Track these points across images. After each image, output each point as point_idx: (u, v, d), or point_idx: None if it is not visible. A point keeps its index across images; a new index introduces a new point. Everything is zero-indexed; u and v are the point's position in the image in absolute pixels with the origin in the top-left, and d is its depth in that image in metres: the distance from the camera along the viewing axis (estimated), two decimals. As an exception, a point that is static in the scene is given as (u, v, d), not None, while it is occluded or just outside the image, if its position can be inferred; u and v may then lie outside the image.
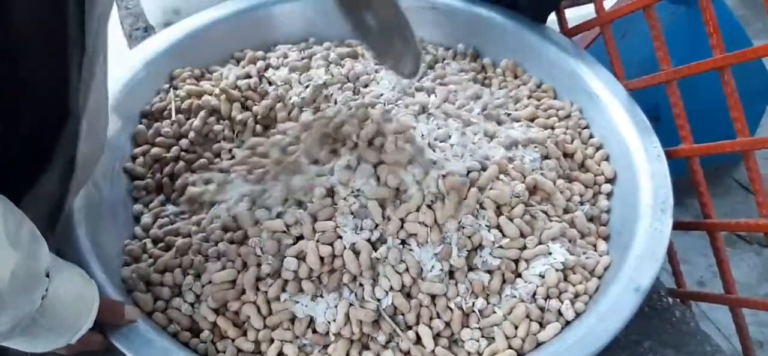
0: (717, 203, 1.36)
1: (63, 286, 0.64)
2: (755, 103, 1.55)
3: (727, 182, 1.66)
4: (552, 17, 1.13)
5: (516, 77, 1.09)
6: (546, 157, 0.95)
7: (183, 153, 0.96)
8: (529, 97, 1.05)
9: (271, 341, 0.78)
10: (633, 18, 1.04)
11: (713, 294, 0.99)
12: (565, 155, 0.97)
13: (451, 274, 0.82)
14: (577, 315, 0.81)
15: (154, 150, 0.96)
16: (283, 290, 0.79)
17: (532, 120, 1.01)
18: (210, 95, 1.00)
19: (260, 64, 1.05)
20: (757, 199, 0.89)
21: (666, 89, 0.96)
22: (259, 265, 0.80)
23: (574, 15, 1.14)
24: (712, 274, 1.51)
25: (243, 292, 0.79)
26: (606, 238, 0.91)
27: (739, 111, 0.88)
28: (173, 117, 0.99)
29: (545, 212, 0.90)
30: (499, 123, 0.98)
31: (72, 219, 0.82)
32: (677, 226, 0.98)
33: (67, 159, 0.69)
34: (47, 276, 0.61)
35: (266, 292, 0.79)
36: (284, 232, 0.82)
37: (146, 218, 0.90)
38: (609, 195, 0.95)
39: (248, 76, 1.02)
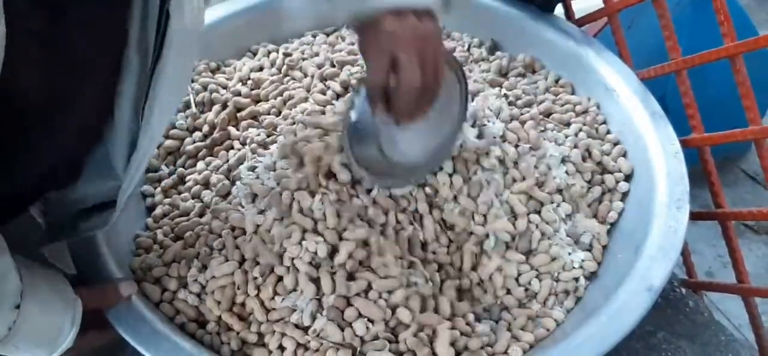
0: (725, 194, 1.28)
1: (33, 316, 0.62)
2: (763, 93, 1.46)
3: (735, 172, 1.58)
4: (558, 8, 1.05)
5: (534, 72, 1.02)
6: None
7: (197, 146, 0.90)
8: (547, 91, 0.98)
9: (273, 332, 0.72)
10: (640, 8, 0.97)
11: (726, 283, 0.92)
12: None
13: None
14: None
15: (168, 143, 0.92)
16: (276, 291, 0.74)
17: (548, 115, 0.94)
18: (225, 88, 0.94)
19: (274, 55, 0.99)
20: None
21: (675, 79, 0.88)
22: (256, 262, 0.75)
23: (580, 6, 1.06)
24: (721, 265, 1.43)
25: (245, 285, 0.74)
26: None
27: (751, 100, 0.81)
28: (189, 110, 0.93)
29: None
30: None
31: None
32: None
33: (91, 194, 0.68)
34: (17, 308, 0.60)
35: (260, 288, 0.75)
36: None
37: (158, 210, 0.85)
38: (624, 196, 0.88)
39: (261, 68, 0.96)
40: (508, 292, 0.81)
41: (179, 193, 0.88)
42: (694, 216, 0.94)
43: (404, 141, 0.77)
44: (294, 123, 0.87)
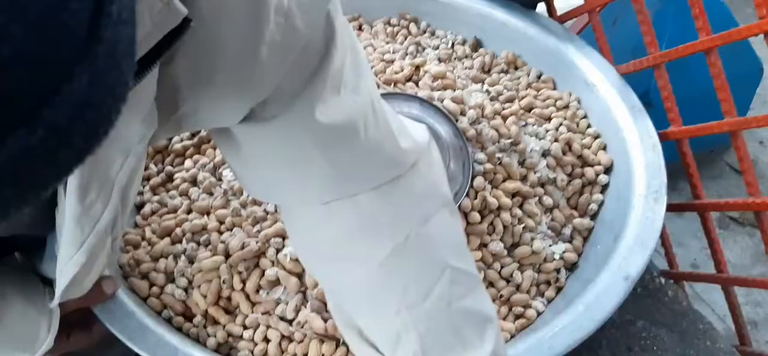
0: (710, 187, 1.29)
1: (8, 328, 0.61)
2: (745, 86, 1.47)
3: (720, 165, 1.59)
4: (541, 6, 1.06)
5: (516, 68, 1.03)
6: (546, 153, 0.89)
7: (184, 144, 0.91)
8: (529, 87, 0.99)
9: (258, 325, 0.73)
10: (624, 6, 0.97)
11: (705, 273, 0.93)
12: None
13: None
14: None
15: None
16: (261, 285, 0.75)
17: (529, 110, 0.95)
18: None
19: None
20: (745, 178, 0.83)
21: (654, 73, 0.89)
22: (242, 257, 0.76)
23: (561, 4, 1.07)
24: (706, 257, 1.44)
25: (231, 279, 0.74)
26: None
27: (726, 92, 0.82)
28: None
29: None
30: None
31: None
32: (668, 208, 0.92)
33: None
34: None
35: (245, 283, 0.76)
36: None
37: (146, 208, 0.86)
38: (604, 188, 0.89)
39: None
40: (491, 284, 0.82)
41: (167, 191, 0.89)
42: (674, 208, 0.95)
43: None
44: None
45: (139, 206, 0.88)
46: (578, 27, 1.31)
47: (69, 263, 0.51)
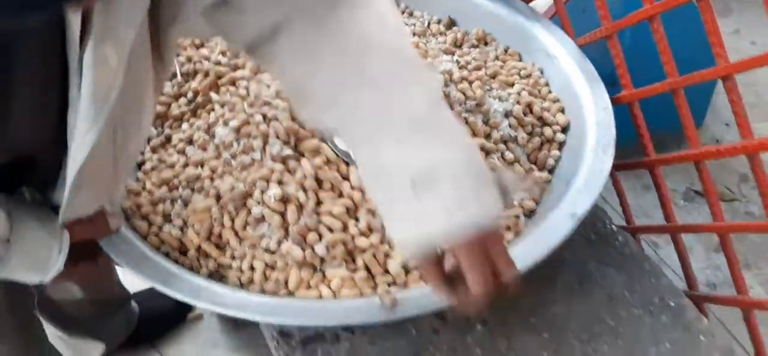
0: (677, 165, 1.38)
1: (23, 246, 0.70)
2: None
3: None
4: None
5: (486, 44, 1.13)
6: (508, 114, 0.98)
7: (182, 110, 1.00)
8: (496, 59, 1.08)
9: (245, 256, 0.82)
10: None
11: (656, 225, 1.01)
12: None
13: None
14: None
15: (157, 108, 1.01)
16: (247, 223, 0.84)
17: (493, 77, 1.04)
18: (207, 60, 1.04)
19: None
20: (687, 133, 0.91)
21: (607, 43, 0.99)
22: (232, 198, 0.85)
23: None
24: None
25: (221, 217, 0.83)
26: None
27: (668, 55, 0.91)
28: (175, 79, 1.03)
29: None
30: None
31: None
32: (619, 167, 1.01)
33: None
34: (8, 241, 0.68)
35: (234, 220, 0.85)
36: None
37: (147, 165, 0.95)
38: (561, 145, 0.98)
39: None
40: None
41: (166, 150, 0.98)
42: (625, 167, 1.04)
43: None
44: (268, 87, 0.97)
45: (140, 164, 0.98)
46: (550, 14, 1.40)
47: (83, 141, 0.61)
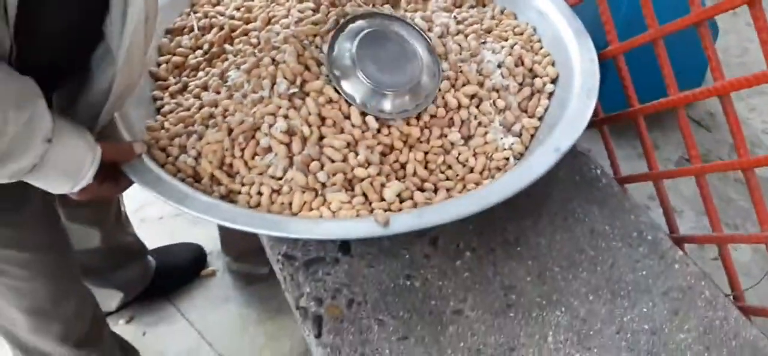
0: (670, 139, 1.45)
1: (62, 151, 0.78)
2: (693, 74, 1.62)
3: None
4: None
5: (484, 6, 1.19)
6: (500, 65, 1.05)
7: (198, 60, 1.08)
8: (492, 18, 1.15)
9: (253, 182, 0.89)
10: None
11: (638, 174, 1.07)
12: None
13: None
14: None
15: (175, 58, 1.09)
16: (255, 153, 0.92)
17: (488, 32, 1.11)
18: (222, 15, 1.12)
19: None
20: (666, 81, 0.98)
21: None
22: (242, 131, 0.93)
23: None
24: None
25: (232, 148, 0.91)
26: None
27: (649, 8, 0.97)
28: (193, 33, 1.11)
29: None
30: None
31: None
32: (606, 120, 1.08)
33: (102, 87, 0.84)
34: (49, 141, 0.76)
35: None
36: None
37: (165, 108, 1.03)
38: (550, 95, 1.04)
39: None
40: (449, 167, 0.97)
41: (183, 96, 1.06)
42: (610, 119, 1.11)
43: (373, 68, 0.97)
44: (277, 34, 1.05)
45: (159, 108, 1.05)
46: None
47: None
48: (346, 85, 0.96)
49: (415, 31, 1.03)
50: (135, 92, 0.91)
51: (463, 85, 1.02)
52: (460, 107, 1.00)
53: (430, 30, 1.05)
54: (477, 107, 1.01)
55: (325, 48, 0.99)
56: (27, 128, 0.73)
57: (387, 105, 0.96)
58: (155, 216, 1.79)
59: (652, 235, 0.95)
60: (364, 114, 0.95)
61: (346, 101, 0.96)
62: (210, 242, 1.71)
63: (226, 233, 1.68)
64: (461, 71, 1.02)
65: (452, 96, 1.00)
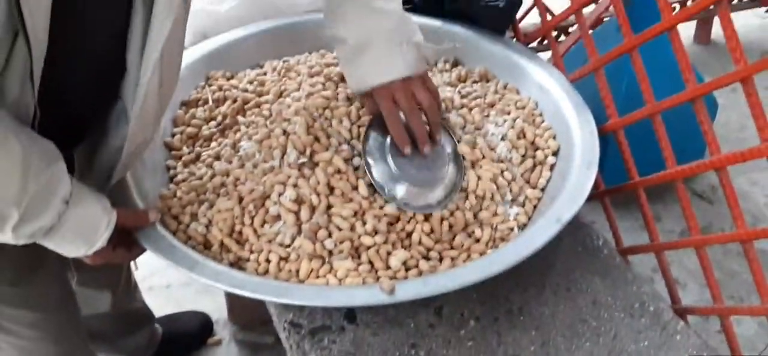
0: (672, 211, 1.48)
1: (79, 212, 0.80)
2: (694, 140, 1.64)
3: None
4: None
5: (487, 81, 1.23)
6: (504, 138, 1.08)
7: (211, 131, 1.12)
8: (495, 93, 1.19)
9: (262, 250, 0.91)
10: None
11: (641, 245, 1.09)
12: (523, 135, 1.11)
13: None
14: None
15: (189, 129, 1.13)
16: (264, 221, 0.95)
17: (492, 106, 1.15)
18: (235, 88, 1.17)
19: (276, 63, 1.21)
20: (664, 154, 1.00)
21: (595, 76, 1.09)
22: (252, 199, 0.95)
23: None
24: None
25: (242, 216, 0.94)
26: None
27: (646, 84, 1.01)
28: (207, 105, 1.15)
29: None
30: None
31: (126, 174, 0.99)
32: (608, 192, 1.10)
33: (117, 145, 0.88)
34: (67, 203, 0.79)
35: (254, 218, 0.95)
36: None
37: (178, 177, 1.06)
38: (552, 167, 1.07)
39: (265, 74, 1.19)
40: (454, 238, 0.99)
41: (195, 165, 1.09)
42: (612, 191, 1.13)
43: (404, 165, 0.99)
44: (288, 106, 1.08)
45: (172, 177, 1.09)
46: (563, 50, 1.52)
47: (162, 25, 0.77)
48: (378, 174, 0.98)
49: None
50: (147, 149, 0.95)
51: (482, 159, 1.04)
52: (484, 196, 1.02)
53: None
54: (495, 181, 1.03)
55: (347, 127, 1.03)
56: (47, 189, 0.76)
57: (421, 200, 0.98)
58: (163, 284, 1.81)
59: (654, 306, 0.96)
60: (371, 186, 0.97)
61: (379, 192, 0.98)
62: (217, 311, 1.72)
63: (233, 302, 1.69)
64: (475, 146, 1.05)
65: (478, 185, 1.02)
